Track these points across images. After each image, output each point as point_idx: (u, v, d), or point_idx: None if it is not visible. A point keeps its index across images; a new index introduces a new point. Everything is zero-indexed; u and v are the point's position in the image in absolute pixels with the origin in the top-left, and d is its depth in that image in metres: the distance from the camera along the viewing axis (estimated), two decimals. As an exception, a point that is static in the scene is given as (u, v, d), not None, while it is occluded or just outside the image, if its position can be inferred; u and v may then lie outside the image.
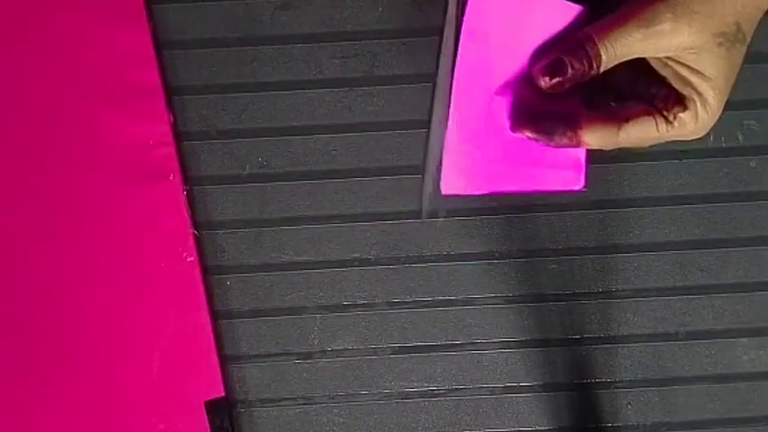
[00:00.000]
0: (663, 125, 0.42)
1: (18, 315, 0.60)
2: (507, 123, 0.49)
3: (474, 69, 0.49)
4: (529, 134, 0.44)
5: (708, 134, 0.61)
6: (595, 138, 0.43)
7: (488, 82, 0.49)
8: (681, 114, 0.42)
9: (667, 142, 0.61)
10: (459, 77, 0.49)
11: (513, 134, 0.49)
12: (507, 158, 0.50)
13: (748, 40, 0.42)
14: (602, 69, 0.41)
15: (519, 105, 0.46)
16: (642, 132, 0.42)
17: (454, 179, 0.50)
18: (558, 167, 0.51)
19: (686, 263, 0.61)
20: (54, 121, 0.60)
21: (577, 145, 0.43)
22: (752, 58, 0.61)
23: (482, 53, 0.49)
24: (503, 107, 0.49)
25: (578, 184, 0.51)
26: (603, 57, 0.40)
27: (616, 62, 0.41)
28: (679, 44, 0.40)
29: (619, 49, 0.40)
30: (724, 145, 0.61)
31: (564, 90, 0.42)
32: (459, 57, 0.49)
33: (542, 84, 0.42)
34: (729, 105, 0.61)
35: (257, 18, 0.61)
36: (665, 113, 0.42)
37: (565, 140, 0.43)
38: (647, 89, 0.43)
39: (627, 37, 0.40)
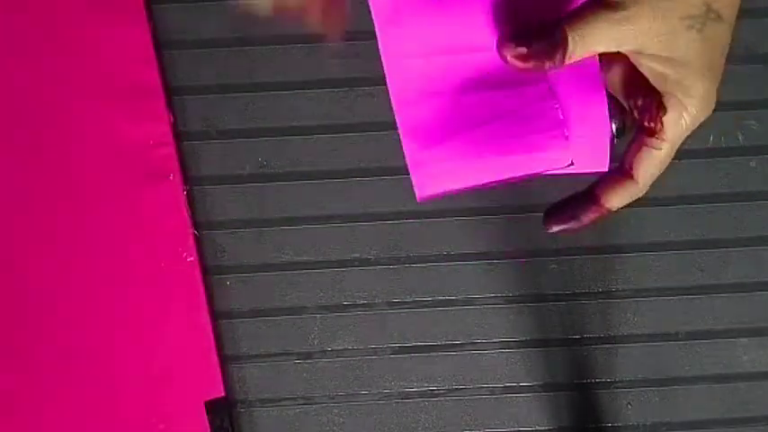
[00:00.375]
0: (658, 143, 0.42)
1: (18, 315, 0.60)
2: (463, 120, 0.49)
3: (404, 70, 0.49)
4: (562, 227, 0.45)
5: (708, 134, 0.61)
6: (620, 197, 0.43)
7: (425, 80, 0.49)
8: (665, 118, 0.41)
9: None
10: (391, 81, 0.49)
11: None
12: (476, 149, 0.49)
13: (726, 16, 0.42)
14: (567, 59, 0.41)
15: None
16: (652, 165, 0.42)
17: (425, 183, 0.50)
18: (541, 149, 0.50)
19: (686, 263, 0.61)
20: (54, 122, 0.60)
21: (607, 212, 0.44)
22: (752, 58, 0.61)
23: (407, 51, 0.50)
24: (448, 102, 0.49)
25: (564, 163, 0.50)
26: (570, 45, 0.40)
27: (585, 53, 0.41)
28: (646, 32, 0.39)
29: (586, 37, 0.40)
30: (724, 145, 0.61)
31: (524, 70, 0.42)
32: (384, 60, 0.49)
33: (507, 53, 0.42)
34: (729, 105, 0.61)
35: (257, 18, 0.61)
36: (650, 124, 0.42)
37: (592, 216, 0.43)
38: (635, 103, 0.43)
39: (593, 24, 0.40)
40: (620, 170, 0.44)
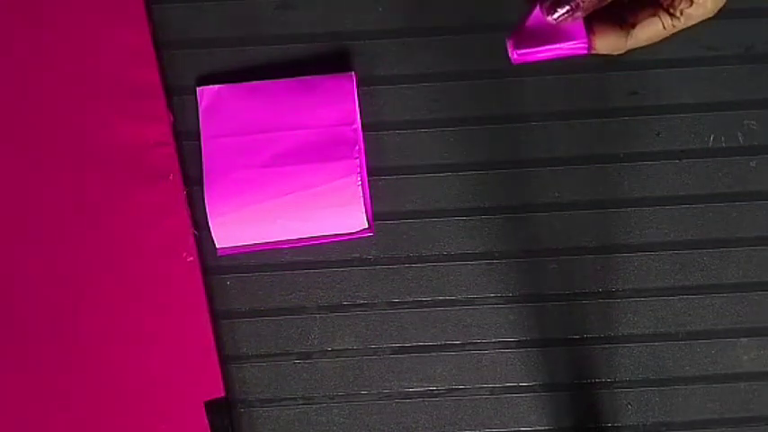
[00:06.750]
0: (669, 21, 0.44)
1: (18, 315, 0.60)
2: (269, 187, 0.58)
3: (218, 147, 0.59)
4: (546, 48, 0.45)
5: (708, 134, 0.61)
6: (605, 44, 0.45)
7: (236, 155, 0.59)
8: (687, 10, 0.43)
9: (666, 138, 0.61)
10: (205, 154, 0.60)
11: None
12: (277, 213, 0.58)
13: None
14: None
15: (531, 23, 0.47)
16: (650, 33, 0.44)
17: (224, 238, 0.59)
18: (339, 218, 0.59)
19: (686, 263, 0.61)
20: (54, 122, 0.60)
21: (590, 50, 0.45)
22: (752, 58, 0.61)
23: (223, 130, 0.59)
24: (257, 174, 0.58)
25: (363, 226, 0.60)
26: None
27: None
28: None
29: None
30: (724, 145, 0.61)
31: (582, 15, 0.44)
32: (201, 138, 0.60)
33: (551, 19, 0.43)
34: (729, 105, 0.61)
35: (257, 18, 0.61)
36: (672, 11, 0.43)
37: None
38: None
39: None
40: (622, 21, 0.44)
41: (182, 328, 0.60)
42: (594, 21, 0.44)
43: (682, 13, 0.43)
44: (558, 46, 0.44)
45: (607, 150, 0.61)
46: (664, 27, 0.43)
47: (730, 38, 0.61)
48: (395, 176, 0.61)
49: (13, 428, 0.60)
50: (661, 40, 0.45)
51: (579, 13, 0.43)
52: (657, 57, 0.61)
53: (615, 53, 0.45)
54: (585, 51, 0.45)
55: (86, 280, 0.60)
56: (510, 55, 0.44)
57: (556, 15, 0.43)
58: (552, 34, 0.44)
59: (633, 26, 0.44)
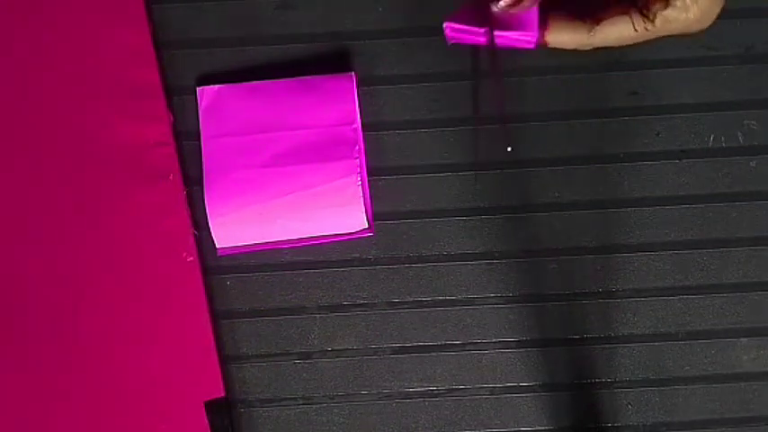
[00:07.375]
0: (641, 23, 0.40)
1: (18, 315, 0.60)
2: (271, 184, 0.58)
3: (219, 146, 0.59)
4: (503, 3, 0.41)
5: (708, 134, 0.61)
6: (560, 39, 0.41)
7: (237, 155, 0.58)
8: (663, 12, 0.39)
9: (666, 138, 0.61)
10: (205, 153, 0.60)
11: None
12: (277, 213, 0.58)
13: None
14: None
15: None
16: (619, 33, 0.40)
17: (224, 237, 0.59)
18: (338, 218, 0.59)
19: (686, 263, 0.61)
20: (54, 122, 0.60)
21: (540, 45, 0.41)
22: (752, 58, 0.61)
23: (223, 130, 0.59)
24: (257, 173, 0.58)
25: (363, 226, 0.60)
26: None
27: None
28: None
29: None
30: (724, 145, 0.61)
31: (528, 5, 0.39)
32: (201, 137, 0.59)
33: (495, 8, 0.40)
34: (729, 105, 0.61)
35: (257, 18, 0.61)
36: (645, 11, 0.40)
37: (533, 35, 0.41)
38: None
39: None
40: (584, 16, 0.41)
41: (182, 328, 0.60)
42: (551, 13, 0.40)
43: (656, 16, 0.39)
44: (499, 33, 0.40)
45: (607, 150, 0.61)
46: (635, 29, 0.40)
47: (730, 38, 0.61)
48: (395, 176, 0.61)
49: (13, 428, 0.60)
50: (642, 43, 0.41)
51: (527, 3, 0.38)
52: (657, 57, 0.61)
53: (580, 48, 0.41)
54: (533, 46, 0.41)
55: (86, 280, 0.60)
56: (445, 33, 0.41)
57: (501, 4, 0.39)
58: (499, 19, 0.40)
59: (597, 22, 0.40)
